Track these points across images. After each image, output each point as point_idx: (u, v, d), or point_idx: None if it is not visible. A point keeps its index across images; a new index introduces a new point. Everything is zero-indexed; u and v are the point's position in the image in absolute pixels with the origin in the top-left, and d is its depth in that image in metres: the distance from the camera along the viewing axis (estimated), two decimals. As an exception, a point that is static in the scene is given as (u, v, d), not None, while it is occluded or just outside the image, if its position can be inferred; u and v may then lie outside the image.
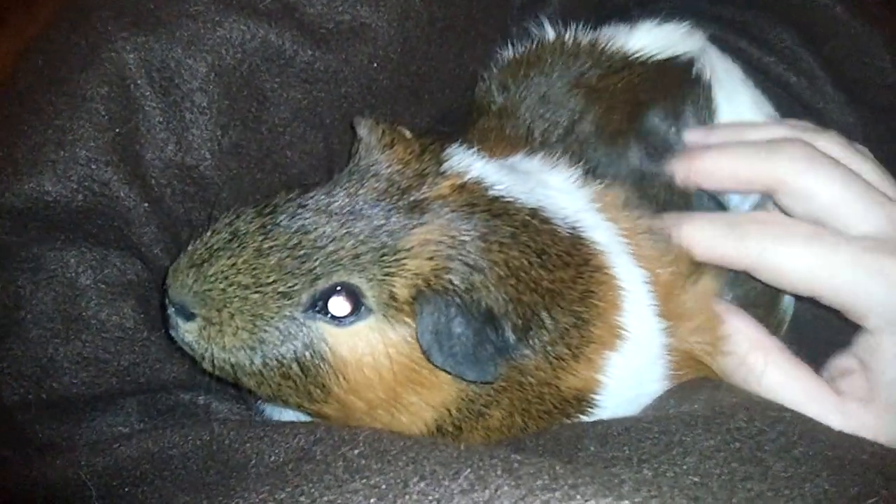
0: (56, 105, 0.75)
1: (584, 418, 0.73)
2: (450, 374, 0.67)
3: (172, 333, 0.70)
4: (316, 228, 0.67)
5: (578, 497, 0.48)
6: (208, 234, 0.69)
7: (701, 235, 0.78)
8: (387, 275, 0.66)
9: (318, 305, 0.67)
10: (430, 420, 0.69)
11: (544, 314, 0.68)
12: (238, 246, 0.67)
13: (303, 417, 0.75)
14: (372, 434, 0.57)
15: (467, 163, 0.72)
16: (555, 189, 0.76)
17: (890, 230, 0.75)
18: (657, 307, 0.75)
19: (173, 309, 0.69)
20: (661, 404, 0.72)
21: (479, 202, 0.68)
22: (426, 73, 0.89)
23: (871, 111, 1.00)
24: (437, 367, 0.66)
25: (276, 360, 0.67)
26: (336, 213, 0.67)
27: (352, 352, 0.67)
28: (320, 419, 0.72)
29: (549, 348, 0.69)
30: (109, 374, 0.77)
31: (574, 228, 0.73)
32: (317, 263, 0.66)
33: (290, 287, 0.66)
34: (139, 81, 0.77)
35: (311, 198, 0.69)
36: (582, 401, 0.72)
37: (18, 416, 0.75)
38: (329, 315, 0.67)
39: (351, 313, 0.67)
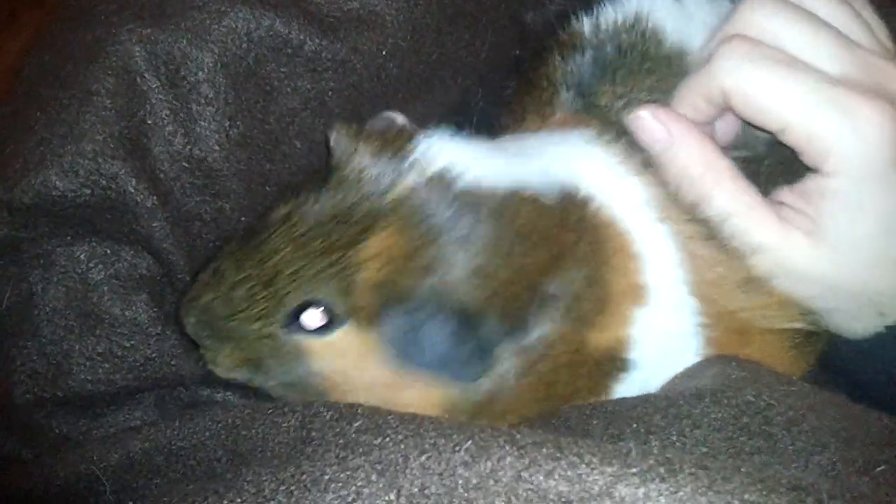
0: (62, 100, 0.74)
1: (620, 388, 0.70)
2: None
3: None
4: (278, 253, 0.68)
5: (584, 465, 0.47)
6: (200, 274, 0.73)
7: (687, 108, 0.74)
8: (347, 287, 0.65)
9: (293, 322, 0.67)
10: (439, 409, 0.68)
11: (548, 286, 0.66)
12: (217, 282, 0.70)
13: None
14: (370, 407, 0.57)
15: (434, 152, 0.67)
16: (551, 154, 0.72)
17: (860, 76, 0.70)
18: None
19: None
20: (670, 381, 0.71)
21: (442, 198, 0.65)
22: (437, 60, 0.88)
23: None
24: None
25: (269, 373, 0.70)
26: (296, 236, 0.67)
27: (333, 361, 0.68)
28: None
29: (570, 312, 0.66)
30: (125, 370, 0.76)
31: (567, 192, 0.69)
32: (280, 286, 0.67)
33: (261, 310, 0.68)
34: (145, 74, 0.76)
35: (278, 220, 0.69)
36: (615, 360, 0.70)
37: (34, 414, 0.75)
38: (305, 329, 0.67)
39: (327, 325, 0.67)
